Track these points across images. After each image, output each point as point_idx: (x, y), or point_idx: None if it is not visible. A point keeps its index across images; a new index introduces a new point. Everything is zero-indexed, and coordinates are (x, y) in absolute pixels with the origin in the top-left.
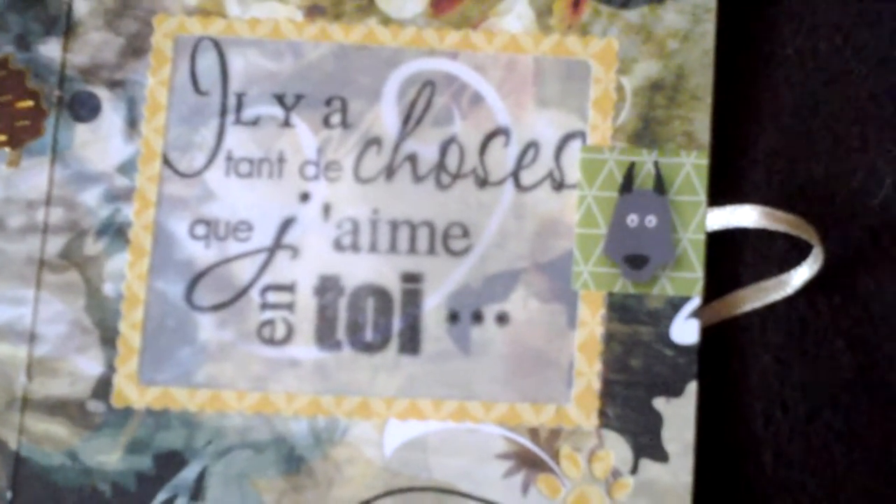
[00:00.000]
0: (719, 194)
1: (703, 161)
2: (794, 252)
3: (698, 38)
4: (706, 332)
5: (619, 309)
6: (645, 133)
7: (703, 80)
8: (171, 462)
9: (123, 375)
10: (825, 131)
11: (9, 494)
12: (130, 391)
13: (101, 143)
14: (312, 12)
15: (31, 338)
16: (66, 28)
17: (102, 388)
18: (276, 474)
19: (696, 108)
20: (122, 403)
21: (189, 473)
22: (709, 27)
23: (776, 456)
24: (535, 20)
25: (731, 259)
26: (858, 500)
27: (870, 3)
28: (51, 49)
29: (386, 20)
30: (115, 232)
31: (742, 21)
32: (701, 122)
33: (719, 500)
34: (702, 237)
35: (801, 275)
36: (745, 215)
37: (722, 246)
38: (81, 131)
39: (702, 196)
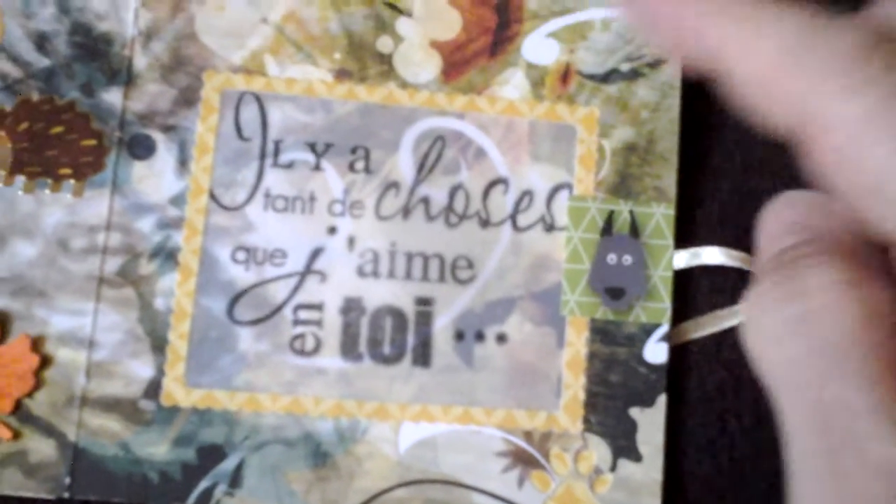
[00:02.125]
0: (683, 237)
1: (671, 211)
2: (743, 284)
3: (666, 109)
4: (673, 351)
5: (601, 332)
6: (622, 186)
7: (669, 143)
8: (212, 454)
9: (172, 378)
10: (769, 186)
11: (67, 480)
12: (178, 392)
13: (155, 178)
14: (341, 75)
15: (91, 344)
16: (127, 79)
17: (153, 389)
18: (305, 467)
19: (665, 167)
20: (170, 403)
21: (228, 465)
22: (674, 101)
23: (730, 456)
24: (530, 90)
25: (693, 291)
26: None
27: None
28: (112, 96)
29: (403, 84)
30: (167, 255)
31: (701, 96)
32: (668, 178)
33: (684, 493)
34: (669, 274)
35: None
36: (706, 254)
37: (687, 280)
38: (138, 168)
39: (669, 240)
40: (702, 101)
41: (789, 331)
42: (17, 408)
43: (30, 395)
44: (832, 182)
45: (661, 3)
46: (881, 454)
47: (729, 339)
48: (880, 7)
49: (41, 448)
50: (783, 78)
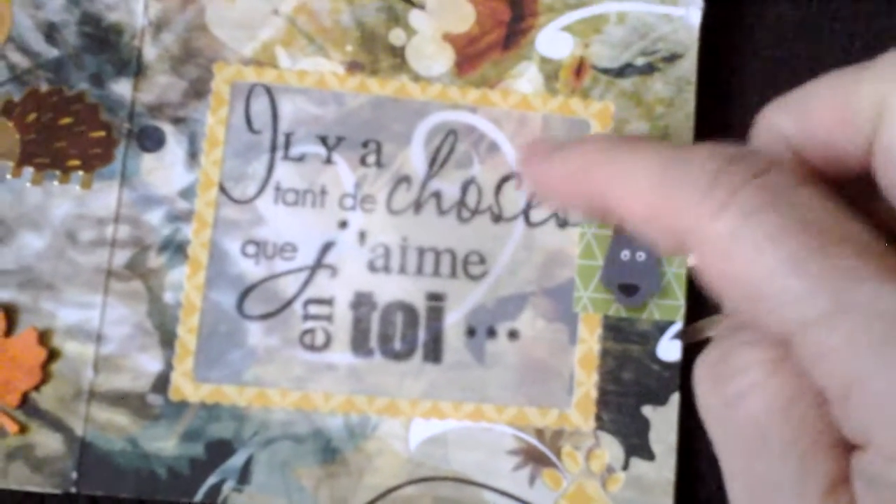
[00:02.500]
0: None
1: None
2: None
3: (681, 104)
4: (687, 349)
5: (614, 329)
6: None
7: (685, 139)
8: (221, 450)
9: (180, 373)
10: None
11: (74, 475)
12: (186, 387)
13: (164, 170)
14: (353, 67)
15: (99, 338)
16: (137, 71)
17: (161, 383)
18: (315, 463)
19: None
20: (178, 397)
21: (237, 460)
22: (690, 96)
23: None
24: (543, 83)
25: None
26: None
27: None
28: (122, 88)
29: (416, 77)
30: (176, 248)
31: (717, 91)
32: None
33: (696, 493)
34: (683, 271)
35: None
36: None
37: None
38: (148, 160)
39: None
40: (717, 96)
41: (725, 407)
42: (24, 401)
43: (37, 388)
44: (720, 291)
45: (540, 168)
46: None
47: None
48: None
49: (48, 442)
50: (659, 211)
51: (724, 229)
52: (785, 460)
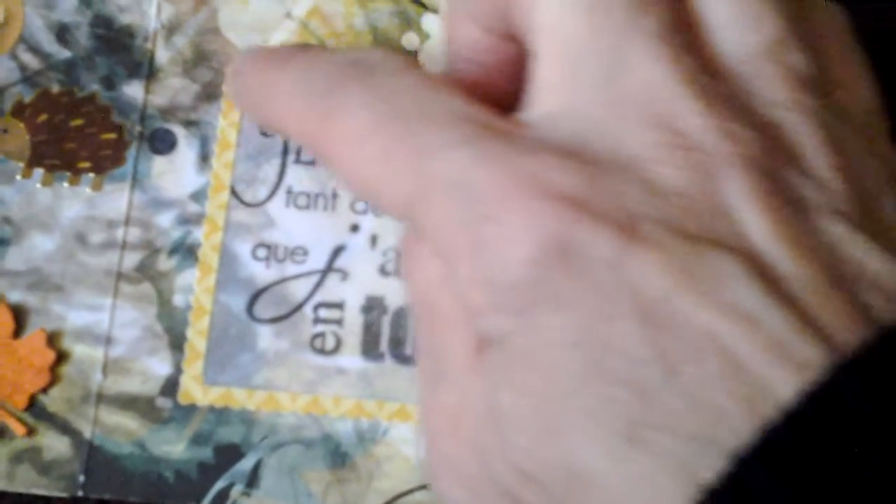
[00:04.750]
0: None
1: None
2: None
3: None
4: None
5: None
6: None
7: None
8: (229, 454)
9: (189, 376)
10: None
11: (81, 478)
12: (195, 390)
13: (176, 173)
14: None
15: (108, 340)
16: (149, 73)
17: (170, 386)
18: (324, 467)
19: None
20: (187, 401)
21: (246, 464)
22: None
23: None
24: None
25: None
26: None
27: None
28: (134, 90)
29: None
30: (186, 251)
31: None
32: None
33: None
34: None
35: None
36: None
37: None
38: (159, 162)
39: None
40: None
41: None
42: (32, 404)
43: (45, 390)
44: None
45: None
46: None
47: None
48: None
49: (55, 445)
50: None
51: (334, 132)
52: (442, 328)
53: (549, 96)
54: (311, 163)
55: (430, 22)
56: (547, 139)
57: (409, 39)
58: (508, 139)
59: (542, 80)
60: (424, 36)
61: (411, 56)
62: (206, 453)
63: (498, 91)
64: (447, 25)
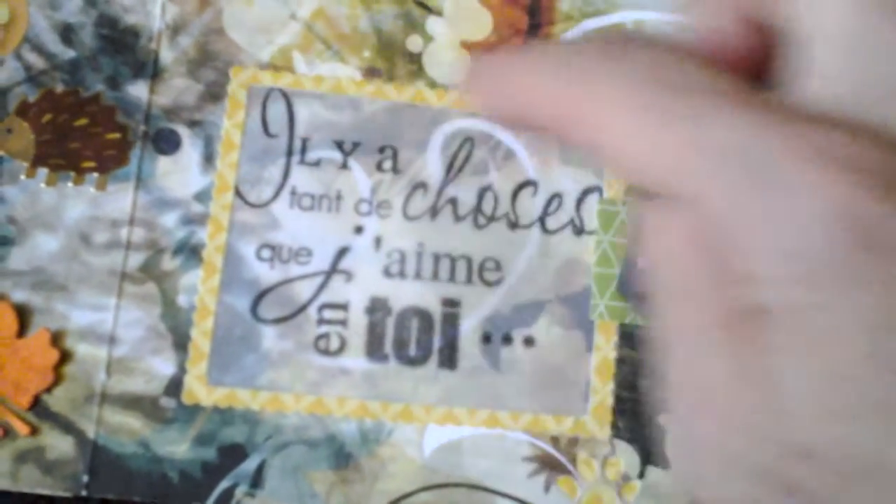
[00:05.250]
0: None
1: None
2: None
3: None
4: None
5: (629, 337)
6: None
7: None
8: (233, 454)
9: (194, 376)
10: None
11: (85, 478)
12: (199, 390)
13: (180, 173)
14: (370, 73)
15: (111, 340)
16: (153, 73)
17: (174, 386)
18: (328, 468)
19: None
20: (191, 401)
21: (250, 465)
22: None
23: None
24: None
25: None
26: None
27: None
28: (138, 90)
29: (433, 84)
30: (190, 251)
31: None
32: None
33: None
34: None
35: None
36: None
37: None
38: (163, 162)
39: None
40: None
41: (650, 258)
42: (36, 403)
43: (49, 390)
44: (616, 167)
45: (499, 71)
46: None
47: None
48: None
49: (59, 445)
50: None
51: (596, 110)
52: (689, 299)
53: (829, 82)
54: (316, 164)
55: (434, 24)
56: (831, 118)
57: (414, 42)
58: (792, 112)
59: (821, 65)
60: (428, 38)
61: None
62: (210, 453)
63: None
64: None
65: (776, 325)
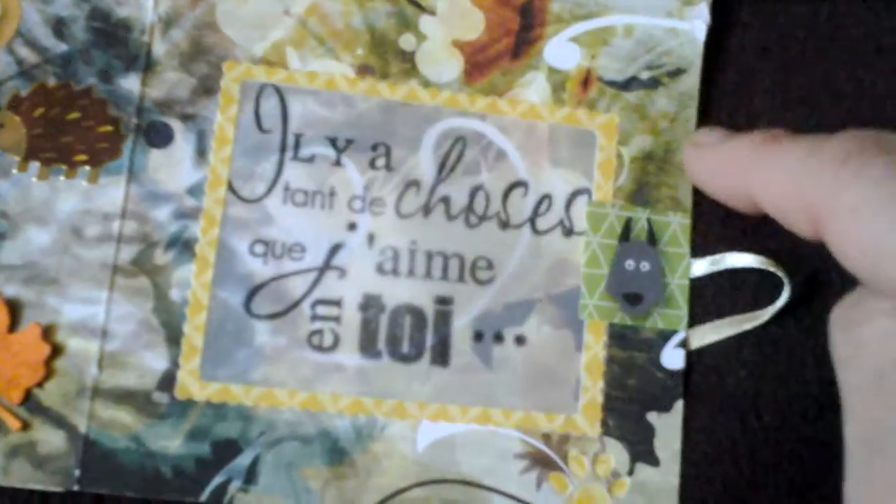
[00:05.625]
0: (700, 246)
1: (687, 221)
2: (760, 289)
3: (684, 120)
4: (692, 352)
5: (619, 337)
6: (639, 194)
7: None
8: (227, 449)
9: (186, 371)
10: None
11: (77, 473)
12: (192, 385)
13: (172, 167)
14: (363, 70)
15: (103, 334)
16: (145, 66)
17: (167, 381)
18: (322, 464)
19: (681, 177)
20: (184, 396)
21: (243, 460)
22: (692, 111)
23: (752, 459)
24: (550, 94)
25: (710, 296)
26: (823, 498)
27: (832, 85)
28: (130, 83)
29: (426, 83)
30: (183, 245)
31: (719, 107)
32: (684, 189)
33: (702, 498)
34: (686, 282)
35: (770, 310)
36: (728, 260)
37: (703, 285)
38: (155, 156)
39: (686, 249)
40: (719, 112)
41: (852, 352)
42: (27, 398)
43: (40, 385)
44: (846, 260)
45: (698, 159)
46: None
47: (751, 339)
48: None
49: (51, 440)
50: (796, 194)
51: (851, 200)
52: None
53: None
54: (309, 160)
55: (427, 24)
56: None
57: (407, 40)
58: None
59: None
60: (422, 37)
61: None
62: (203, 449)
63: None
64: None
65: None
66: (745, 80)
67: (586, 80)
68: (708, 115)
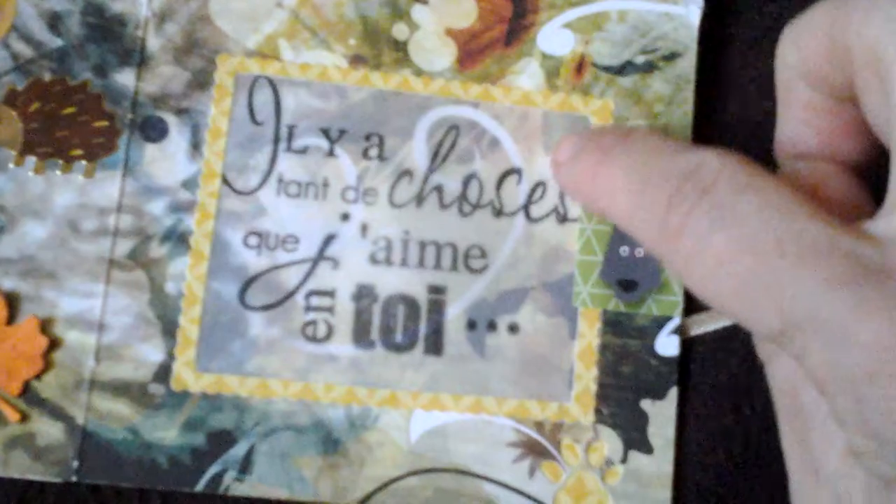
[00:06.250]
0: None
1: None
2: None
3: (680, 103)
4: (687, 340)
5: (613, 324)
6: None
7: (682, 137)
8: (222, 440)
9: (182, 363)
10: None
11: (75, 464)
12: (188, 377)
13: (167, 161)
14: (356, 61)
15: (100, 327)
16: (140, 61)
17: (163, 373)
18: (316, 454)
19: None
20: (180, 387)
21: (238, 450)
22: (688, 94)
23: (745, 447)
24: (544, 80)
25: None
26: None
27: None
28: (125, 78)
29: (418, 72)
30: (178, 238)
31: (715, 90)
32: None
33: (696, 485)
34: None
35: None
36: None
37: None
38: (150, 150)
39: None
40: (716, 95)
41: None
42: (26, 390)
43: (38, 377)
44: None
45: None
46: None
47: (744, 328)
48: None
49: (49, 431)
50: (634, 220)
51: (683, 250)
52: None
53: None
54: (302, 151)
55: (420, 13)
56: None
57: (399, 30)
58: (882, 282)
59: None
60: (414, 26)
61: (743, 160)
62: (198, 439)
63: (842, 156)
64: (779, 87)
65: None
66: (741, 64)
67: (580, 66)
68: (703, 98)
